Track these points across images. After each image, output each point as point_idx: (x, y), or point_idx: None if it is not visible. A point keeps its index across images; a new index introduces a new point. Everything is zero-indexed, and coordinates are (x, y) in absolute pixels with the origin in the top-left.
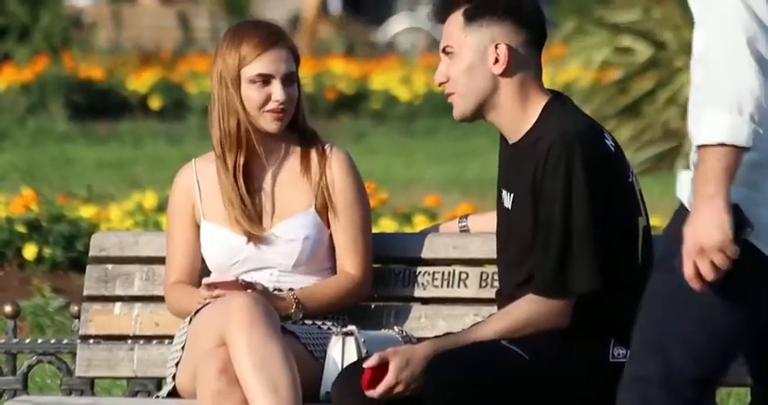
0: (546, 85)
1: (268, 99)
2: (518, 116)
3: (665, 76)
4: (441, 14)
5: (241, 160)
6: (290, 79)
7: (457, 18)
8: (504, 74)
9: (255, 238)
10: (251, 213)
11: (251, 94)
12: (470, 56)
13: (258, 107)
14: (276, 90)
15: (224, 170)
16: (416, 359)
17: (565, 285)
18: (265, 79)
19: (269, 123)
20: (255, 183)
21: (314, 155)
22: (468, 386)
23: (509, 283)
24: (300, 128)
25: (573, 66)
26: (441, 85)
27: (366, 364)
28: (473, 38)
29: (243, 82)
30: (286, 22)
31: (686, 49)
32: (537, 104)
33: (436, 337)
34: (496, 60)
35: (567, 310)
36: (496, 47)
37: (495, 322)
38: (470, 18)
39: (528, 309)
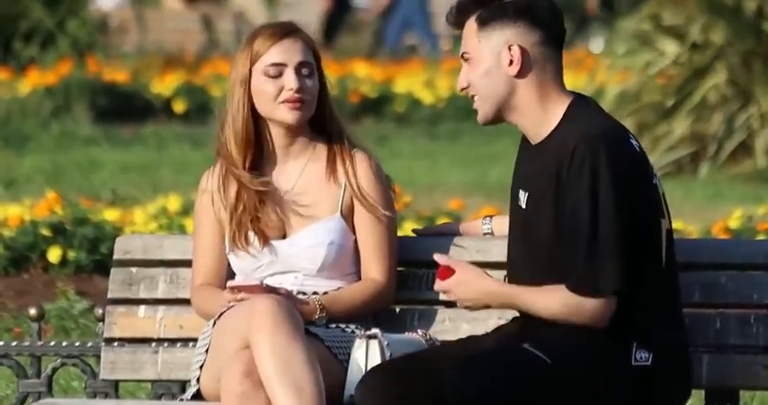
0: (574, 88)
1: (281, 90)
2: (539, 117)
3: (690, 79)
4: (456, 20)
5: (253, 161)
6: (305, 69)
7: (471, 24)
8: (520, 75)
9: (275, 242)
10: (271, 217)
11: (266, 87)
12: (486, 60)
13: (274, 99)
14: (289, 78)
15: (241, 176)
16: (472, 286)
17: (593, 286)
18: (278, 70)
19: (286, 114)
20: (281, 186)
21: (341, 159)
22: (491, 392)
23: (524, 282)
24: (328, 130)
25: (602, 68)
26: (463, 90)
27: (437, 259)
28: (487, 42)
29: (256, 78)
30: (312, 25)
31: (713, 52)
32: (559, 105)
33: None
34: (511, 62)
35: (602, 311)
36: (510, 48)
37: (545, 302)
38: (483, 23)
39: (563, 305)
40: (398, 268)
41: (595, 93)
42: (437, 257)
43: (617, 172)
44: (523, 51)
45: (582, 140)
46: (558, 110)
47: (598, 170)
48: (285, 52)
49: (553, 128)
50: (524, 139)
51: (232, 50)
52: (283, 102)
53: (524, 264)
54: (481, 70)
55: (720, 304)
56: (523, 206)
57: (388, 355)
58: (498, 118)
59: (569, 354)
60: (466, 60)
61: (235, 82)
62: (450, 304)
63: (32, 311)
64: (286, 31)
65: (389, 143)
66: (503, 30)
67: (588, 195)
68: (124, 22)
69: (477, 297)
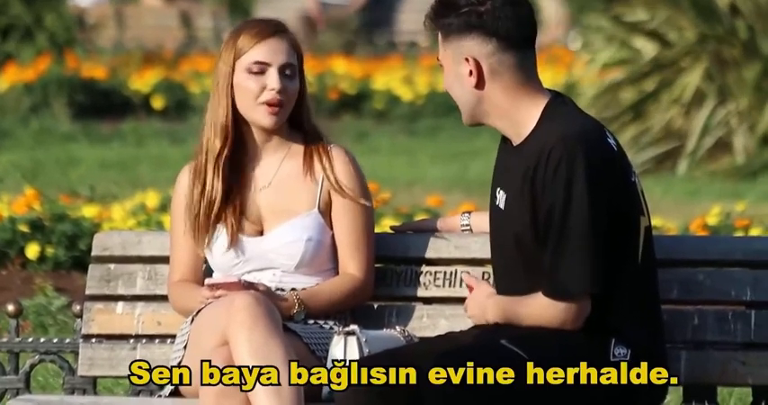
0: (553, 86)
1: (263, 89)
2: (514, 120)
3: (668, 76)
4: (429, 28)
5: (230, 156)
6: (288, 71)
7: (439, 34)
8: (480, 86)
9: (253, 238)
10: (248, 213)
11: (247, 84)
12: (452, 70)
13: (254, 98)
14: (272, 79)
15: (213, 171)
16: (476, 303)
17: (564, 290)
18: (262, 69)
19: (264, 117)
20: (258, 182)
21: (318, 155)
22: (469, 388)
23: (505, 282)
24: (305, 128)
25: (579, 66)
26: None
27: (465, 279)
28: (450, 52)
29: (238, 73)
30: (291, 21)
31: (689, 49)
32: (533, 107)
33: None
34: (471, 73)
35: (575, 314)
36: (467, 61)
37: (527, 310)
38: (445, 35)
39: (541, 311)
40: (376, 265)
41: (571, 90)
42: (466, 279)
43: (593, 174)
44: (478, 64)
45: (558, 142)
46: (533, 111)
47: (574, 173)
48: (270, 51)
49: (531, 129)
50: (504, 139)
51: (211, 47)
52: (263, 103)
53: (505, 265)
54: (449, 79)
55: (698, 301)
56: (501, 206)
57: (366, 351)
58: (476, 122)
59: (547, 350)
60: (441, 66)
61: (218, 76)
62: (428, 301)
63: (10, 308)
64: (272, 30)
65: (368, 140)
66: (459, 42)
67: (563, 198)
68: (102, 19)
69: (477, 313)
